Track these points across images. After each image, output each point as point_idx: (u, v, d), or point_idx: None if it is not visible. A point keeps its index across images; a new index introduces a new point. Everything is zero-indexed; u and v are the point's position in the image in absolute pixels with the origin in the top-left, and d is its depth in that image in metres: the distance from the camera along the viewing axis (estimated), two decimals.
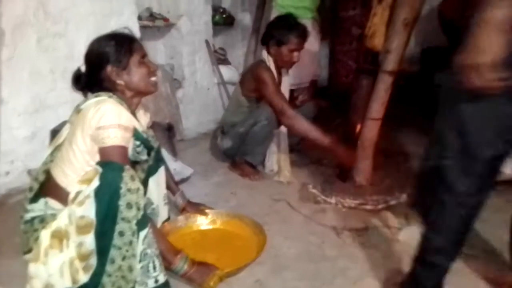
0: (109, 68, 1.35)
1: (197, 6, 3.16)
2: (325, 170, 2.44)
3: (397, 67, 1.92)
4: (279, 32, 2.26)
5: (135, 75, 1.38)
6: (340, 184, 2.15)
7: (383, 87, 1.96)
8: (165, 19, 3.01)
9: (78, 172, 1.25)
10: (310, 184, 2.13)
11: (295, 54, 2.29)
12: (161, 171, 1.61)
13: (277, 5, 2.88)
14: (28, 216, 1.29)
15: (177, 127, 2.95)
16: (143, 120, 1.55)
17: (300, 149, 2.70)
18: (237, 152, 2.41)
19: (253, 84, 2.31)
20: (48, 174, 1.34)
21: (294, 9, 2.86)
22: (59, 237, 1.19)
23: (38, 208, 1.29)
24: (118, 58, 1.36)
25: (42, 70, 2.26)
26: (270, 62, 2.31)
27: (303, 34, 2.29)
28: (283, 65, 2.36)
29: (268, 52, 2.33)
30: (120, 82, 1.37)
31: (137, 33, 2.63)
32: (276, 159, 2.42)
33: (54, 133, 1.91)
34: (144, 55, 1.43)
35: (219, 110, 3.37)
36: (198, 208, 1.79)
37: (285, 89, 2.44)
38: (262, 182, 2.34)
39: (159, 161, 1.60)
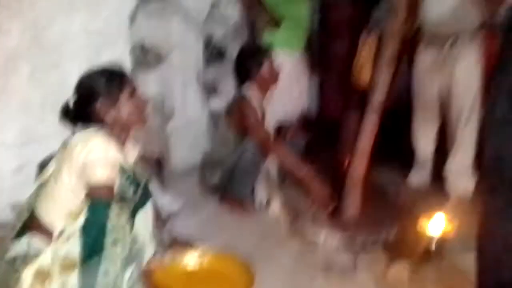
0: (98, 104, 1.36)
1: (189, 39, 3.21)
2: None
3: (385, 103, 1.97)
4: (252, 60, 2.40)
5: (125, 110, 1.40)
6: (330, 219, 2.14)
7: (371, 121, 2.00)
8: (156, 52, 3.05)
9: (62, 209, 1.23)
10: (300, 218, 2.12)
11: (276, 66, 2.42)
12: (148, 207, 1.59)
13: (268, 40, 2.93)
14: (9, 255, 1.26)
15: (167, 160, 2.94)
16: (131, 154, 1.55)
17: (290, 182, 2.70)
18: (225, 186, 2.40)
19: (238, 117, 2.35)
20: (32, 210, 1.32)
21: (284, 42, 2.93)
22: (42, 277, 1.16)
23: (20, 247, 1.26)
24: (108, 94, 1.38)
25: (33, 102, 2.26)
26: (252, 96, 2.35)
27: (267, 48, 2.49)
28: (272, 82, 2.45)
29: (252, 84, 2.39)
30: (109, 117, 1.38)
31: (128, 66, 2.67)
32: (265, 192, 2.41)
33: (42, 166, 1.89)
34: (134, 90, 1.44)
35: (208, 143, 3.37)
36: (186, 244, 1.76)
37: (269, 121, 2.48)
38: (250, 217, 2.31)
39: (146, 196, 1.58)
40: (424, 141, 2.61)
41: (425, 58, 2.44)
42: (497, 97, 0.99)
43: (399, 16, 1.89)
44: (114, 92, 1.38)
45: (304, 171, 2.07)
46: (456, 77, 2.34)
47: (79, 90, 1.40)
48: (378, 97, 1.94)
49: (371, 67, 1.97)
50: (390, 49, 1.87)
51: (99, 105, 1.36)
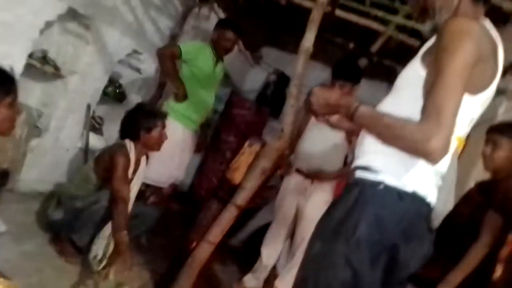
0: None
1: (94, 71, 3.16)
2: (148, 274, 2.38)
3: (245, 204, 2.15)
4: (145, 121, 2.40)
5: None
6: None
7: (228, 216, 2.14)
8: (56, 68, 2.93)
9: None
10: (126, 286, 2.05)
11: (164, 132, 2.47)
12: None
13: (168, 107, 3.04)
14: None
15: (13, 175, 2.65)
16: None
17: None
18: (64, 226, 2.23)
19: (107, 164, 2.30)
20: None
21: (183, 116, 3.06)
22: None
23: None
24: None
25: None
26: (131, 149, 2.36)
27: (164, 115, 2.53)
28: (154, 148, 2.47)
29: (135, 141, 2.38)
30: None
31: (19, 68, 2.51)
32: (103, 246, 2.29)
33: None
34: (15, 99, 1.39)
35: (66, 176, 3.17)
36: None
37: (138, 179, 2.47)
38: (77, 267, 2.16)
39: None
40: (271, 251, 2.85)
41: (291, 181, 2.81)
42: (316, 234, 1.22)
43: (284, 135, 2.17)
44: None
45: (120, 234, 2.02)
46: (306, 208, 2.71)
47: None
48: (241, 198, 2.11)
49: (244, 171, 2.17)
50: (265, 163, 2.10)
51: None
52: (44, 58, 2.87)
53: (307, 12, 2.66)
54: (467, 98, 1.05)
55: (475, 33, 1.02)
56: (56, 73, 2.93)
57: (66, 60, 3.06)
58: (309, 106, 1.22)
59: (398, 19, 3.11)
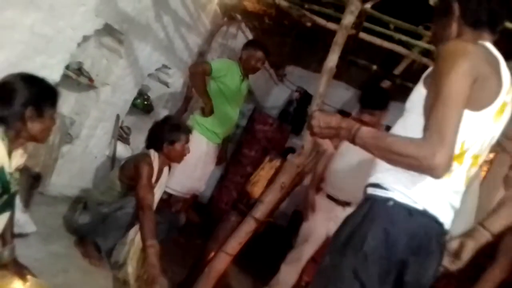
0: (29, 111, 1.40)
1: (125, 83, 3.31)
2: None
3: (264, 218, 2.20)
4: (169, 133, 2.49)
5: (42, 126, 1.44)
6: None
7: (246, 229, 2.19)
8: (90, 79, 3.08)
9: None
10: None
11: (187, 146, 2.53)
12: (4, 216, 1.53)
13: (195, 120, 3.15)
14: None
15: (45, 179, 2.79)
16: (16, 160, 1.53)
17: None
18: (90, 230, 2.33)
19: (131, 173, 2.39)
20: None
21: (207, 130, 3.16)
22: None
23: None
24: (41, 106, 1.43)
25: None
26: (155, 159, 2.45)
27: (189, 130, 2.59)
28: (176, 160, 2.55)
29: (159, 152, 2.48)
30: (30, 125, 1.42)
31: (57, 78, 2.66)
32: (125, 252, 2.38)
33: None
34: (55, 111, 1.51)
35: (93, 182, 3.29)
36: (20, 270, 1.65)
37: (160, 188, 2.55)
38: (100, 270, 2.24)
39: (7, 206, 1.53)
40: (291, 270, 2.73)
41: (321, 205, 2.69)
42: (328, 248, 1.28)
43: (304, 151, 2.21)
44: (47, 107, 1.46)
45: (151, 243, 2.08)
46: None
47: (8, 86, 1.43)
48: (260, 212, 2.16)
49: (263, 185, 2.22)
50: (285, 178, 2.15)
51: (29, 111, 1.41)
52: (80, 70, 3.03)
53: (331, 33, 2.74)
54: (471, 114, 1.09)
55: (470, 52, 1.07)
56: (89, 84, 3.08)
57: (100, 72, 3.21)
58: (311, 129, 1.24)
59: (422, 44, 3.14)
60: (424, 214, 1.12)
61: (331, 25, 3.06)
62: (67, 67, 2.87)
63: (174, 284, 2.45)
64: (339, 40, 2.25)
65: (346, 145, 2.41)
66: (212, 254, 2.24)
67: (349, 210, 2.58)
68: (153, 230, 2.11)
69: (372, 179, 1.23)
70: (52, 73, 2.67)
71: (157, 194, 2.52)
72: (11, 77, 1.44)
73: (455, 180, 1.14)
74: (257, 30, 4.22)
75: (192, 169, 3.07)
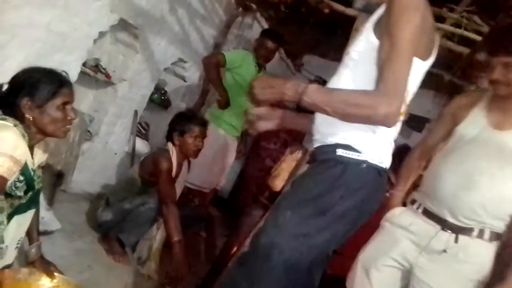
0: (24, 100, 1.38)
1: (142, 78, 3.30)
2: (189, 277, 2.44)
3: None
4: (180, 124, 2.47)
5: (47, 117, 1.42)
6: None
7: None
8: (107, 76, 3.08)
9: None
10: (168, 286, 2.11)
11: (199, 140, 2.47)
12: (30, 213, 1.53)
13: (211, 114, 3.12)
14: None
15: (67, 177, 2.82)
16: (38, 157, 1.52)
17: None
18: (113, 227, 2.34)
19: (151, 169, 2.38)
20: None
21: (225, 123, 3.13)
22: None
23: None
24: (37, 95, 1.40)
25: None
26: (173, 153, 2.44)
27: (202, 123, 2.53)
28: (188, 153, 2.50)
29: (174, 145, 2.47)
30: (28, 116, 1.39)
31: (75, 76, 2.66)
32: (148, 247, 2.38)
33: None
34: (68, 102, 1.47)
35: (115, 178, 3.31)
36: (47, 267, 1.66)
37: (179, 183, 2.53)
38: (124, 266, 2.25)
39: (32, 203, 1.53)
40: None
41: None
42: (285, 203, 1.27)
43: None
44: (43, 97, 1.40)
45: (177, 239, 2.07)
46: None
47: (15, 79, 1.42)
48: None
49: (285, 178, 2.18)
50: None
51: (24, 102, 1.38)
52: (97, 66, 3.03)
53: (350, 19, 2.65)
54: (419, 62, 1.14)
55: (422, 6, 1.10)
56: (107, 80, 3.08)
57: (116, 68, 3.21)
58: (253, 98, 1.20)
59: (446, 27, 3.02)
60: (386, 171, 1.20)
61: (350, 11, 2.96)
62: (84, 64, 2.87)
63: (197, 279, 2.45)
64: (359, 26, 2.18)
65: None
66: (235, 248, 2.22)
67: None
68: (178, 225, 2.11)
69: (339, 139, 1.17)
70: (70, 71, 2.66)
71: (177, 189, 2.51)
72: (17, 73, 1.43)
73: (395, 130, 1.20)
74: (273, 20, 4.14)
75: (211, 163, 3.05)
